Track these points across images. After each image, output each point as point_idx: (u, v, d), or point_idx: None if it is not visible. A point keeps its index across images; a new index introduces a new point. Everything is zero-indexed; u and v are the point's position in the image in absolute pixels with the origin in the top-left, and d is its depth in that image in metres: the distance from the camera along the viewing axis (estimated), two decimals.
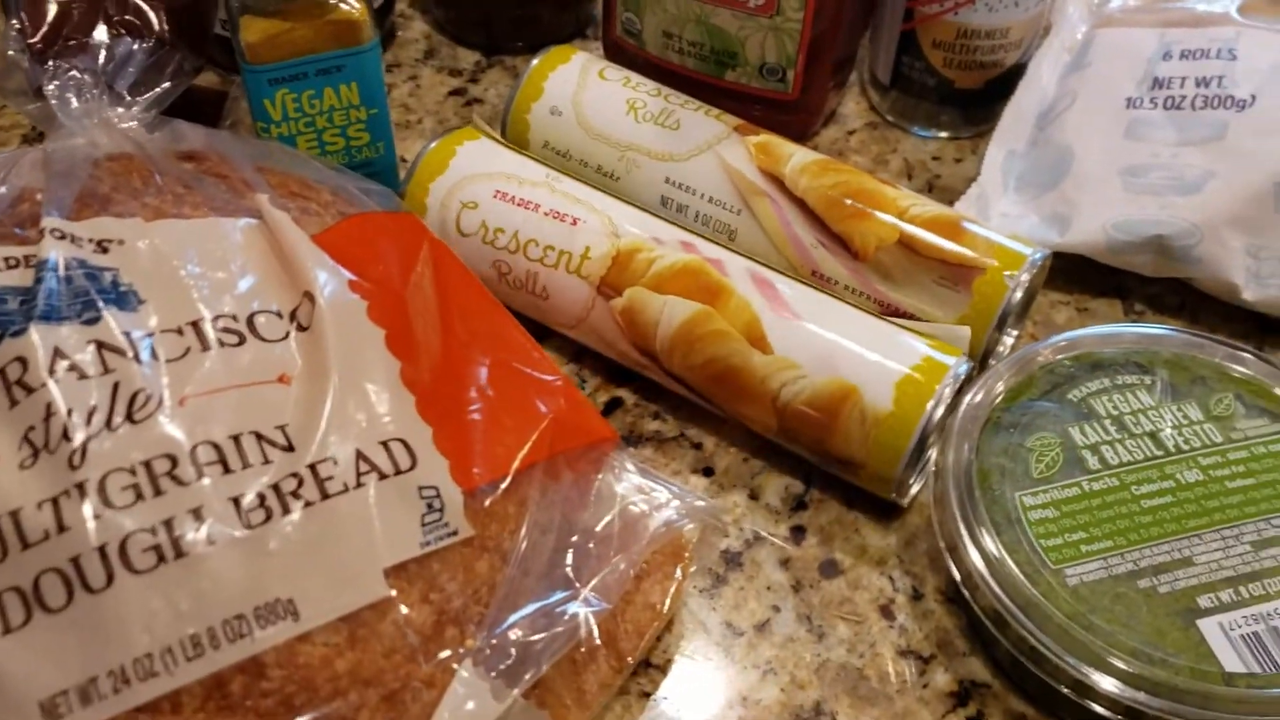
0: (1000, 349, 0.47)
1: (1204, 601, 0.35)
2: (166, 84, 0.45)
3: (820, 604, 0.41)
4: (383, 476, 0.31)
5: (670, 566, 0.38)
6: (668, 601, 0.37)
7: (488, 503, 0.33)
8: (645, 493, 0.38)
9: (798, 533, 0.43)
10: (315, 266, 0.34)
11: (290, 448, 0.31)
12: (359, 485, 0.31)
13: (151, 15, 0.49)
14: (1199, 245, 0.47)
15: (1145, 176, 0.48)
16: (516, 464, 0.34)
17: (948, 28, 0.53)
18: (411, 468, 0.32)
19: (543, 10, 0.60)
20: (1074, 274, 0.51)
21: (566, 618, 0.34)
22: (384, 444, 0.32)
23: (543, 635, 0.33)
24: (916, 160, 0.57)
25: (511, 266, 0.45)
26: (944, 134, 0.58)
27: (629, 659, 0.37)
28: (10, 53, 0.42)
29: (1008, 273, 0.43)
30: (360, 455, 0.31)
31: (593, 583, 0.35)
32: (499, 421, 0.35)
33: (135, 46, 0.46)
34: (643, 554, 0.36)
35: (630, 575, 0.35)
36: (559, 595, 0.34)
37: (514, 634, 0.32)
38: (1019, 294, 0.43)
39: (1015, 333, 0.48)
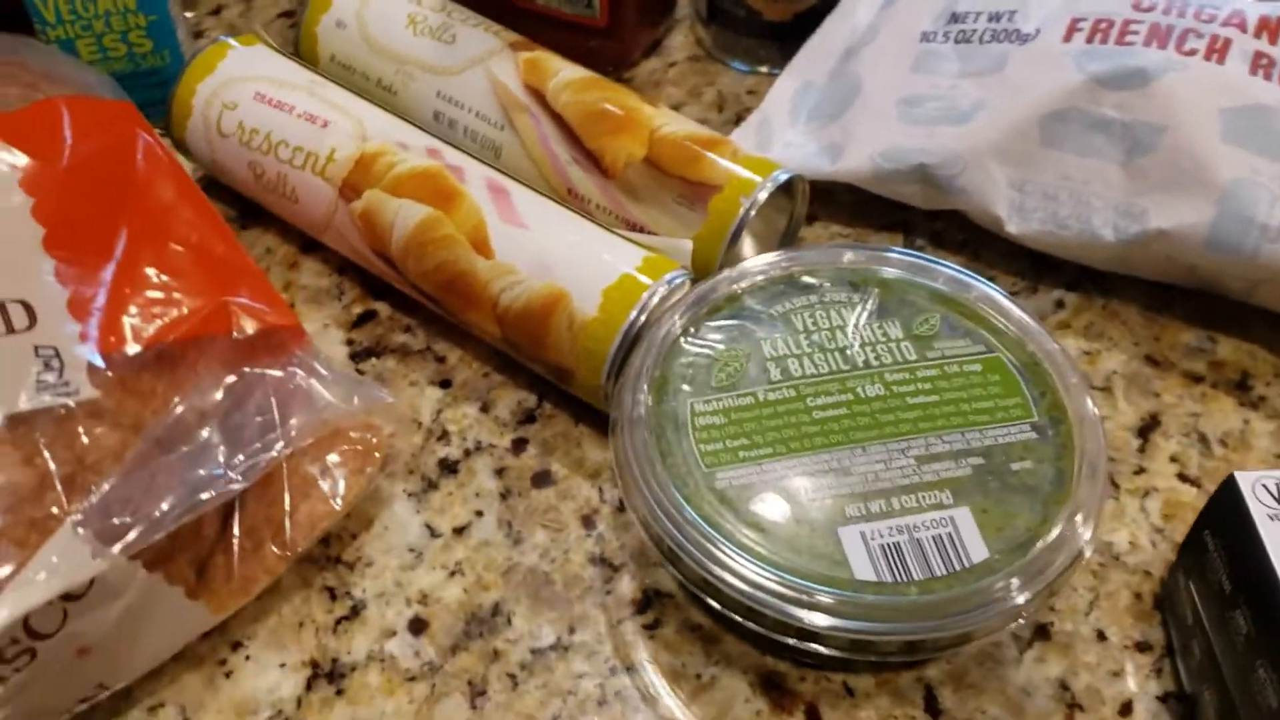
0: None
1: (851, 510, 0.34)
2: None
3: (525, 511, 0.41)
4: None
5: (359, 464, 0.38)
6: (341, 497, 0.37)
7: (128, 374, 0.33)
8: (323, 382, 0.37)
9: (519, 444, 0.43)
10: None
11: None
12: None
13: None
14: (962, 174, 0.46)
15: (921, 106, 0.48)
16: (170, 337, 0.34)
17: None
18: (29, 327, 0.32)
19: None
20: (858, 208, 0.50)
21: (204, 495, 0.34)
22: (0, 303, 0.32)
23: (168, 507, 0.33)
24: (731, 94, 0.56)
25: (264, 168, 0.45)
26: (764, 69, 0.57)
27: (297, 549, 0.37)
28: None
29: (743, 192, 0.43)
30: None
31: (241, 465, 0.35)
32: (163, 297, 0.35)
33: None
34: (300, 439, 0.36)
35: (280, 458, 0.35)
36: (200, 471, 0.34)
37: (128, 500, 0.32)
38: (753, 212, 0.43)
39: None
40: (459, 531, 0.40)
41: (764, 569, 0.33)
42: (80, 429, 0.32)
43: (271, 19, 0.59)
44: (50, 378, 0.32)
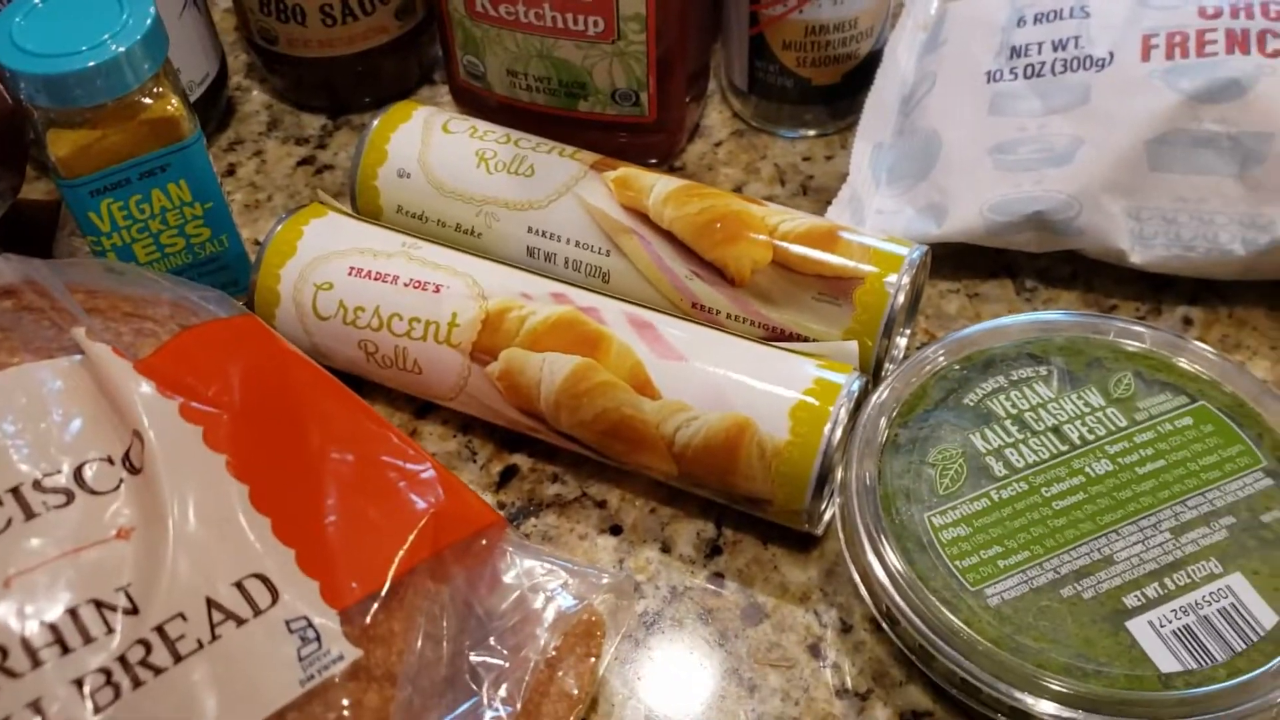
0: (895, 352, 0.45)
1: (1130, 601, 0.33)
2: None
3: (748, 654, 0.39)
4: (240, 622, 0.29)
5: (584, 647, 0.36)
6: (579, 687, 0.35)
7: (368, 620, 0.31)
8: (541, 576, 0.35)
9: (716, 580, 0.41)
10: (140, 399, 0.31)
11: (135, 610, 0.28)
12: (215, 638, 0.28)
13: None
14: (1079, 216, 0.46)
15: (1015, 152, 0.47)
16: (394, 569, 0.32)
17: (795, 27, 0.51)
18: (273, 603, 0.29)
19: (384, 62, 0.57)
20: (959, 259, 0.49)
21: None
22: (238, 585, 0.29)
23: None
24: (787, 164, 0.55)
25: (378, 345, 0.43)
26: (811, 132, 0.56)
27: None
28: None
29: (887, 278, 0.42)
30: (211, 604, 0.29)
31: (500, 689, 0.32)
32: (370, 526, 0.33)
33: None
34: (547, 646, 0.34)
35: (537, 669, 0.33)
36: (463, 708, 0.32)
37: None
38: (901, 298, 0.42)
39: (908, 332, 0.46)
40: (688, 691, 0.38)
41: (1072, 684, 0.32)
42: (345, 698, 0.30)
43: (291, 170, 0.57)
44: (310, 651, 0.29)
